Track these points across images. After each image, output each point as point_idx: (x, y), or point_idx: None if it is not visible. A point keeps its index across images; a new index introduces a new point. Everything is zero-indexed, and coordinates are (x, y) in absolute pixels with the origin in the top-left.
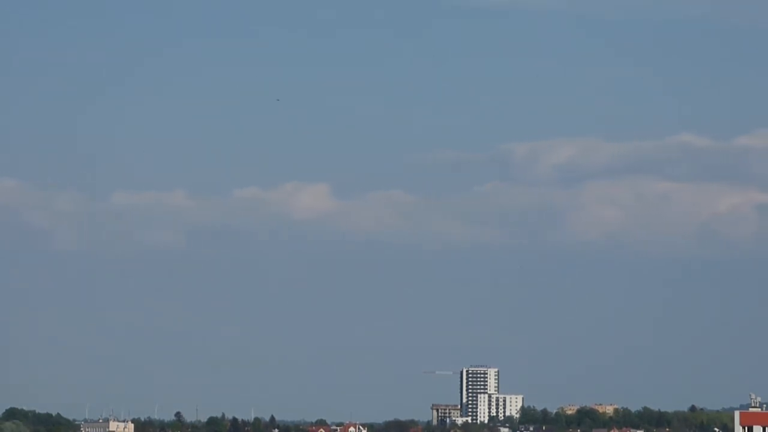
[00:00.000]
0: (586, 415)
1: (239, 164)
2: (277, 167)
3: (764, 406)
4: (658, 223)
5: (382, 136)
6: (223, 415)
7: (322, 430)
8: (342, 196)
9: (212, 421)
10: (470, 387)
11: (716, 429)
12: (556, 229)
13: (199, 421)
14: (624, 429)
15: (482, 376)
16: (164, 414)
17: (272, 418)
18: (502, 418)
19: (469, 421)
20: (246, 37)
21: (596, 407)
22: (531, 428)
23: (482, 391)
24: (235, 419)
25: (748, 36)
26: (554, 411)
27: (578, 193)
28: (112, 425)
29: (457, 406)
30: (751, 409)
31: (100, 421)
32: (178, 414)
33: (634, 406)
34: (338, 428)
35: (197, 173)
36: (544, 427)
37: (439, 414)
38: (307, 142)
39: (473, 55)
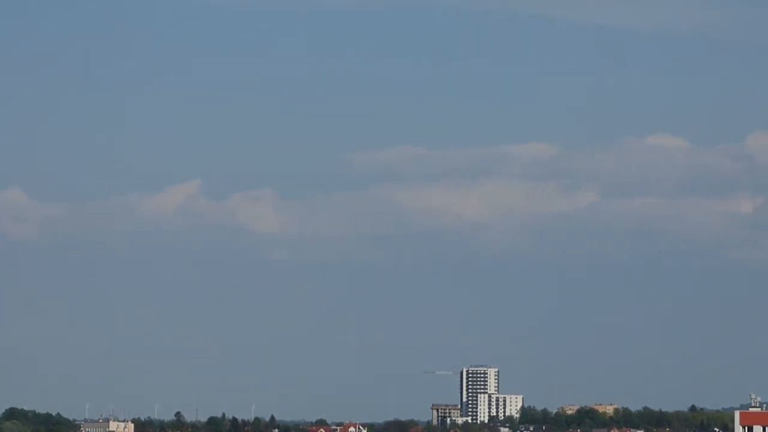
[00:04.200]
0: (586, 415)
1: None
2: (153, 166)
3: (764, 406)
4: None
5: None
6: (223, 415)
7: (322, 430)
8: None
9: (212, 421)
10: (470, 387)
11: (716, 429)
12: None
13: (199, 421)
14: (624, 429)
15: (482, 376)
16: (164, 414)
17: (272, 418)
18: (502, 418)
19: (469, 421)
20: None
21: (596, 407)
22: (531, 428)
23: (482, 391)
24: (235, 419)
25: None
26: (554, 411)
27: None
28: (112, 425)
29: (457, 406)
30: (751, 409)
31: (100, 421)
32: (178, 414)
33: (634, 406)
34: (338, 428)
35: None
36: (544, 427)
37: (439, 414)
38: (182, 141)
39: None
